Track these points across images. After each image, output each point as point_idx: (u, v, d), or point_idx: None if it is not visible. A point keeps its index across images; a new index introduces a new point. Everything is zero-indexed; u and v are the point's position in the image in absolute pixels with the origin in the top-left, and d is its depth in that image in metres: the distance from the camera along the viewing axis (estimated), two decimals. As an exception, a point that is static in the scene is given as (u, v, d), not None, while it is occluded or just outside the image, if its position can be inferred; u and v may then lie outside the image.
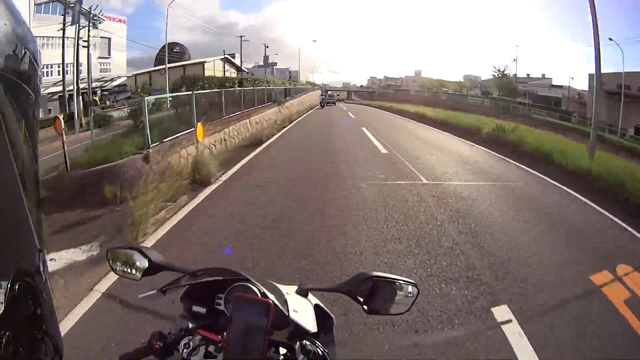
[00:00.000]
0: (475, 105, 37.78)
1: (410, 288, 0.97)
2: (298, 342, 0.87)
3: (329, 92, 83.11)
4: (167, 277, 1.02)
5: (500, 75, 47.85)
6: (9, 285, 0.44)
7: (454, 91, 58.64)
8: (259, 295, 0.89)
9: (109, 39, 19.84)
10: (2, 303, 0.43)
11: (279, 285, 0.97)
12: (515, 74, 47.48)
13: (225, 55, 29.63)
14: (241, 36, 33.88)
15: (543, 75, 45.12)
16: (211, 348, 0.84)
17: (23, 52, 0.48)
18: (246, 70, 31.59)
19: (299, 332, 0.89)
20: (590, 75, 24.23)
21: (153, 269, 1.03)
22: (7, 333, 0.43)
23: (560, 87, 38.91)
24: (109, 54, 20.18)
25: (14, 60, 0.46)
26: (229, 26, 36.35)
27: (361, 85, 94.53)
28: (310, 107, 32.02)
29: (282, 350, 0.86)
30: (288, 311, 0.87)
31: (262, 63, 42.14)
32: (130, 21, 20.41)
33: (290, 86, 27.01)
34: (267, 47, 48.05)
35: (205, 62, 23.88)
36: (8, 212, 0.47)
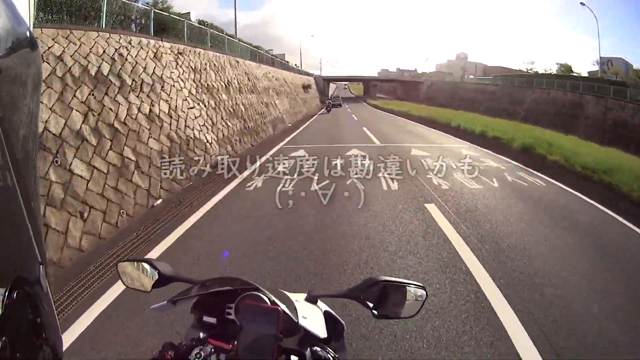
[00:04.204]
0: None
1: (419, 291, 1.05)
2: (309, 349, 0.95)
3: (333, 87, 60.88)
4: (178, 288, 1.11)
5: None
6: (7, 292, 0.47)
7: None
8: (268, 303, 0.96)
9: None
10: None
11: (288, 294, 1.06)
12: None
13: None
14: None
15: None
16: (222, 357, 0.91)
17: (23, 51, 0.50)
18: None
19: (309, 338, 0.97)
20: None
21: (163, 280, 1.11)
22: (4, 338, 0.46)
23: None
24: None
25: (14, 61, 0.48)
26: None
27: (375, 76, 68.67)
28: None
29: (294, 358, 0.93)
30: (297, 317, 0.94)
31: None
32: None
33: None
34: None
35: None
36: (7, 222, 0.49)
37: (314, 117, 25.99)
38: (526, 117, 32.37)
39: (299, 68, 45.17)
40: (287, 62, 35.56)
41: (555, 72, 44.07)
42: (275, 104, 17.66)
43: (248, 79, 14.68)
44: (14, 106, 0.48)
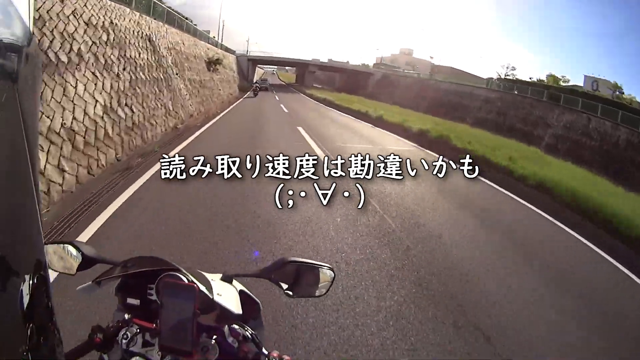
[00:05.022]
0: None
1: (328, 272, 1.10)
2: (226, 326, 0.98)
3: (260, 72, 51.35)
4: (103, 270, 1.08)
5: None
6: (31, 280, 0.49)
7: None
8: (186, 282, 0.96)
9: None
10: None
11: (205, 274, 1.07)
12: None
13: None
14: None
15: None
16: (147, 336, 0.95)
17: (23, 50, 0.50)
18: None
19: (226, 315, 1.00)
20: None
21: (87, 262, 1.10)
22: (32, 325, 0.49)
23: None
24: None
25: (13, 59, 0.48)
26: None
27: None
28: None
29: (214, 336, 0.97)
30: (212, 295, 0.96)
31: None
32: None
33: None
34: None
35: None
36: (15, 208, 0.49)
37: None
38: (553, 147, 21.01)
39: (218, 41, 30.16)
40: (193, 23, 20.49)
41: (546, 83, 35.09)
42: None
43: None
44: (13, 105, 0.47)
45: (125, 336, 0.92)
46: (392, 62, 59.41)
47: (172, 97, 11.82)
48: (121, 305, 1.06)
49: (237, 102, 21.91)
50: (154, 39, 12.29)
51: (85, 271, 1.09)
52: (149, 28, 12.24)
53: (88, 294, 1.06)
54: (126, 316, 0.97)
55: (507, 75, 41.06)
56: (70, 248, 1.10)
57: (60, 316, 1.61)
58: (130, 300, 1.04)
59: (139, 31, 11.02)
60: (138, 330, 0.94)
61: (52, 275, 2.18)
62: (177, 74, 13.56)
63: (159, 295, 0.97)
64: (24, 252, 0.50)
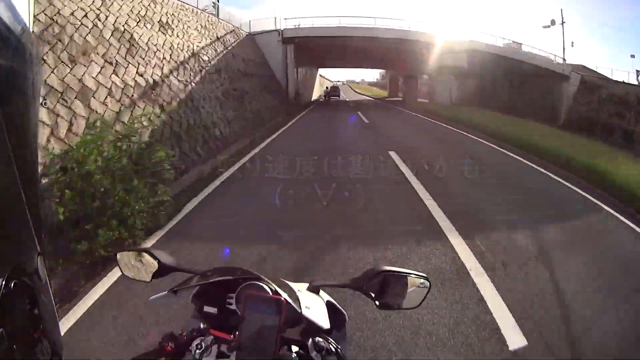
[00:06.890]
0: None
1: (421, 281, 1.04)
2: (310, 339, 0.94)
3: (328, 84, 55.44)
4: (178, 278, 1.08)
5: None
6: (3, 281, 0.47)
7: None
8: (271, 293, 0.95)
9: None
10: None
11: (290, 283, 1.05)
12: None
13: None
14: None
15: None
16: (224, 348, 0.91)
17: (22, 51, 0.50)
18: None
19: (312, 328, 0.96)
20: None
21: (163, 270, 1.10)
22: (0, 329, 0.46)
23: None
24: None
25: (13, 59, 0.48)
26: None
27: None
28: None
29: (295, 348, 0.93)
30: (300, 308, 0.93)
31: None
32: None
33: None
34: None
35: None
36: (7, 213, 0.49)
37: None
38: None
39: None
40: None
41: None
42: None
43: None
44: (14, 103, 0.47)
45: (199, 346, 0.88)
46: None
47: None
48: (197, 314, 1.03)
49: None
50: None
51: (161, 279, 1.07)
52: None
53: (162, 304, 1.02)
54: (202, 325, 0.93)
55: None
56: (145, 255, 1.08)
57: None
58: (207, 309, 1.01)
59: None
60: (213, 341, 0.90)
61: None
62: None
63: (239, 305, 0.96)
64: (2, 257, 0.48)
